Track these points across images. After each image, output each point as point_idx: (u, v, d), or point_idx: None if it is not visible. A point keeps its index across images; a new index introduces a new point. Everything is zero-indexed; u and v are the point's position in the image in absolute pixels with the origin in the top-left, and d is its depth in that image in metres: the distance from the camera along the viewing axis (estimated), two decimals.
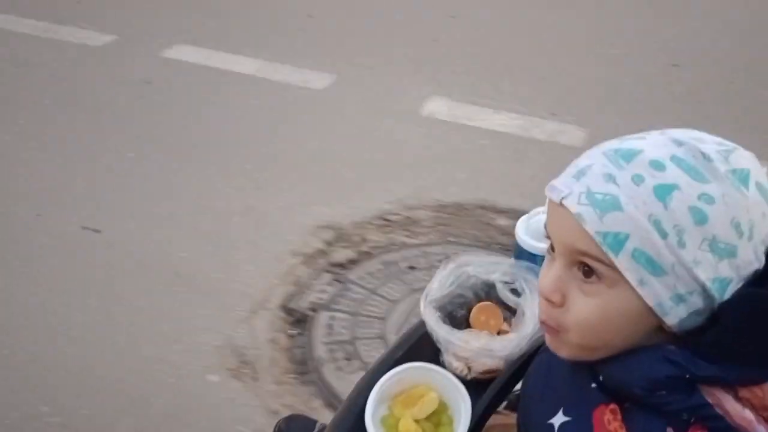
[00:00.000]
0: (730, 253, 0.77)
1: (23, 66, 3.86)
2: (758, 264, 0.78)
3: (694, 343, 0.78)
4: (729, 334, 0.76)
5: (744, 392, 0.76)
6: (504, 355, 1.18)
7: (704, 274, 0.77)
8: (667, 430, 0.78)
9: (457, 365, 1.20)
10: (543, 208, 1.29)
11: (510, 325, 1.27)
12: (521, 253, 1.29)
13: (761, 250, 0.79)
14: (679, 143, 0.79)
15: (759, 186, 0.78)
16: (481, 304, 1.29)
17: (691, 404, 0.77)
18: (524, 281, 1.24)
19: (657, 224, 0.75)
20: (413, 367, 1.16)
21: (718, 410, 0.76)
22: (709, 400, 0.76)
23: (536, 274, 1.25)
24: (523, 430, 1.00)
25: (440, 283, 1.26)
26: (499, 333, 1.26)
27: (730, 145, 0.80)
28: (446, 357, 1.21)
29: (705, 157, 0.77)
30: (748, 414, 0.75)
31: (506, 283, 1.28)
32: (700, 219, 0.75)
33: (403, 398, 1.14)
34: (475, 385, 1.18)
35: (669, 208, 0.75)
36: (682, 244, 0.76)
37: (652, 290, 0.77)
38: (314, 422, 1.64)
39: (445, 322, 1.24)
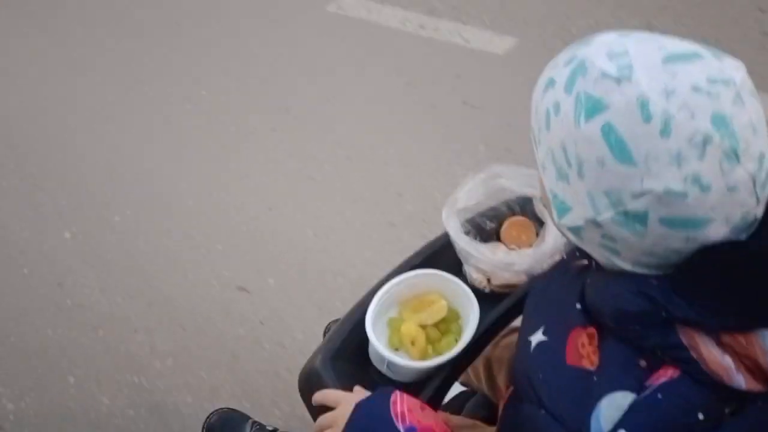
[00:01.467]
0: (563, 176, 0.74)
1: None
2: (593, 213, 0.73)
3: (675, 279, 0.72)
4: (703, 280, 0.70)
5: (726, 338, 0.70)
6: (523, 270, 1.15)
7: (547, 182, 0.78)
8: (640, 362, 0.74)
9: (477, 277, 1.18)
10: None
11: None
12: None
13: (600, 200, 0.71)
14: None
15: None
16: (513, 218, 1.25)
17: (664, 343, 0.72)
18: None
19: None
20: (427, 273, 1.15)
21: (693, 353, 0.70)
22: (685, 342, 0.71)
23: None
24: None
25: (468, 194, 1.22)
26: (530, 247, 1.23)
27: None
28: (466, 268, 1.19)
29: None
30: (728, 361, 0.70)
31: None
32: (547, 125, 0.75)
33: (414, 303, 1.15)
34: (493, 298, 1.16)
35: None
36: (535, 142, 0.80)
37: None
38: (248, 418, 1.71)
39: (471, 233, 1.21)
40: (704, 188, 0.66)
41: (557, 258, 1.13)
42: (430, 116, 2.75)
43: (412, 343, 1.09)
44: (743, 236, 0.71)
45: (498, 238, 1.25)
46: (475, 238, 1.21)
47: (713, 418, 0.71)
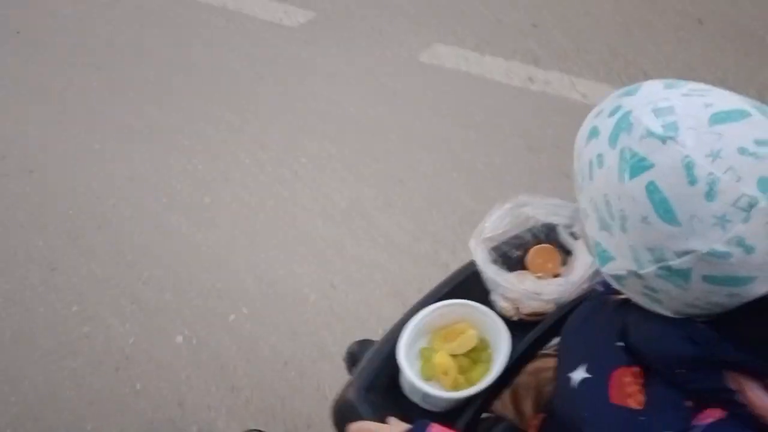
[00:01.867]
0: (606, 226, 0.75)
1: None
2: (636, 266, 0.74)
3: (722, 324, 0.73)
4: (750, 325, 0.71)
5: None
6: (551, 299, 1.17)
7: (588, 230, 0.79)
8: (686, 402, 0.75)
9: (505, 305, 1.19)
10: None
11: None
12: None
13: (643, 255, 0.72)
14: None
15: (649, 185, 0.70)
16: (538, 246, 1.27)
17: (711, 386, 0.73)
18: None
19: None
20: (456, 303, 1.17)
21: (740, 397, 0.71)
22: (732, 386, 0.72)
23: None
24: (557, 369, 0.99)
25: (495, 223, 1.24)
26: (556, 276, 1.24)
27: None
28: (494, 297, 1.21)
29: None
30: None
31: (566, 225, 1.25)
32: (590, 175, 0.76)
33: (444, 333, 1.16)
34: (521, 327, 1.17)
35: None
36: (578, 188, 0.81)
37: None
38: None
39: (497, 262, 1.23)
40: (748, 250, 0.66)
41: (585, 287, 1.15)
42: (563, 184, 2.39)
43: (445, 374, 1.11)
44: None
45: (523, 266, 1.27)
46: (502, 267, 1.23)
47: None
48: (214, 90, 3.24)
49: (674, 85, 0.73)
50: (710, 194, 0.65)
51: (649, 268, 0.72)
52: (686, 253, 0.68)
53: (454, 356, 1.13)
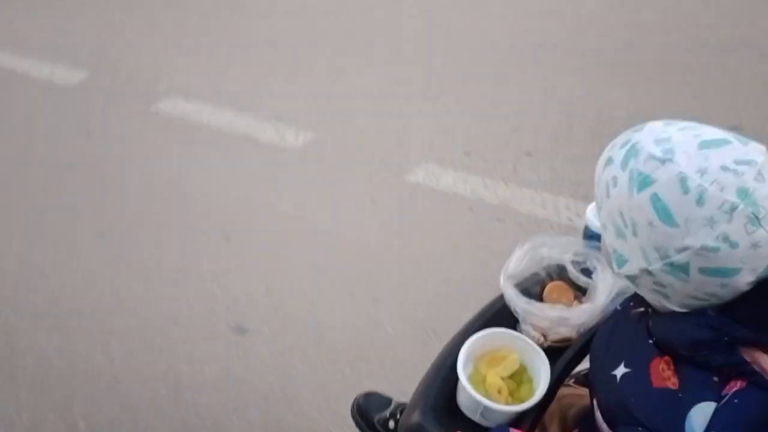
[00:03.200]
0: (621, 234, 0.93)
1: None
2: (645, 264, 0.91)
3: (732, 309, 0.90)
4: (755, 306, 0.88)
5: None
6: (578, 324, 1.31)
7: (607, 239, 0.97)
8: (713, 378, 0.91)
9: (534, 334, 1.32)
10: None
11: (580, 302, 1.40)
12: (590, 235, 1.42)
13: (651, 253, 0.90)
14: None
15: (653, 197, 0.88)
16: (553, 283, 1.42)
17: (730, 362, 0.89)
18: (596, 259, 1.37)
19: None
20: (496, 332, 1.28)
21: (755, 367, 0.87)
22: (748, 359, 0.88)
23: None
24: (593, 385, 1.12)
25: (516, 262, 1.39)
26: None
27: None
28: (524, 327, 1.33)
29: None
30: None
31: (577, 263, 1.41)
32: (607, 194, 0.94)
33: (488, 359, 1.27)
34: (549, 352, 1.30)
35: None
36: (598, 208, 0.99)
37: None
38: (389, 399, 1.77)
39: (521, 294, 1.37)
40: (733, 245, 0.84)
41: (608, 311, 1.30)
42: None
43: (499, 392, 1.21)
44: None
45: (541, 300, 1.41)
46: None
47: None
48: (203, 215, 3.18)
49: (671, 123, 0.94)
50: (700, 201, 0.84)
51: (657, 265, 0.90)
52: (684, 249, 0.86)
53: (502, 378, 1.24)
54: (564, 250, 1.41)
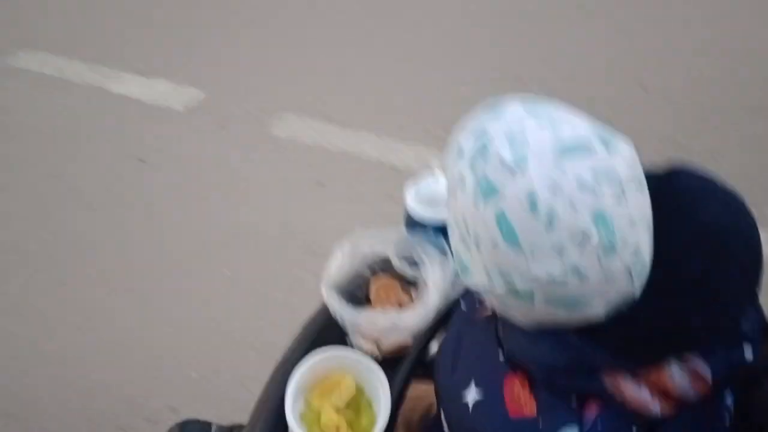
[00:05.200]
0: (465, 242, 0.80)
1: None
2: (489, 286, 0.79)
3: (593, 329, 0.79)
4: (617, 330, 0.78)
5: (640, 370, 0.80)
6: (411, 329, 1.18)
7: (451, 240, 0.85)
8: (572, 402, 0.82)
9: (367, 347, 1.17)
10: (430, 173, 1.29)
11: (411, 297, 1.26)
12: (413, 224, 1.28)
13: (495, 277, 0.78)
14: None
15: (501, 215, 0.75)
16: (379, 282, 1.27)
17: (590, 389, 0.81)
18: (422, 251, 1.24)
19: None
20: (325, 355, 1.12)
21: (616, 396, 0.80)
22: (608, 386, 0.80)
23: (431, 243, 1.25)
24: (441, 404, 1.00)
25: (338, 267, 1.22)
26: (400, 306, 1.25)
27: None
28: (354, 339, 1.18)
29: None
30: (645, 394, 0.80)
31: (402, 256, 1.27)
32: (453, 193, 0.81)
33: (320, 389, 1.11)
34: (386, 363, 1.17)
35: None
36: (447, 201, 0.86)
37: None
38: (209, 424, 1.57)
39: (347, 303, 1.21)
40: (582, 277, 0.73)
41: (442, 308, 1.18)
42: None
43: (337, 430, 1.05)
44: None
45: (370, 302, 1.26)
46: (355, 308, 1.21)
47: None
48: None
49: (531, 111, 0.77)
50: (550, 226, 0.71)
51: (500, 290, 0.78)
52: (529, 278, 0.74)
53: (338, 410, 1.08)
54: (386, 241, 1.26)
